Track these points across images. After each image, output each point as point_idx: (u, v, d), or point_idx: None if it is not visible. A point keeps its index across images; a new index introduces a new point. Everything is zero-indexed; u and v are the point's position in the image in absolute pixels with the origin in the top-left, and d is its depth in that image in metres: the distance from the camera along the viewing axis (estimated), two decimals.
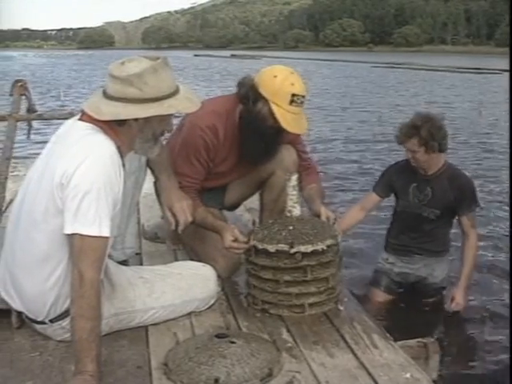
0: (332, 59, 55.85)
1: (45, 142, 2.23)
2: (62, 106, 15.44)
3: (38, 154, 2.22)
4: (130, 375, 2.03)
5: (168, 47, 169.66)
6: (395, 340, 2.31)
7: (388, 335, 2.33)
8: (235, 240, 2.52)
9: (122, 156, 2.07)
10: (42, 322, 2.17)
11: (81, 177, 1.92)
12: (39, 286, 2.08)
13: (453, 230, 3.31)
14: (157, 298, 2.32)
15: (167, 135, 2.42)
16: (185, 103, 2.11)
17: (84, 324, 1.87)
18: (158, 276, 2.39)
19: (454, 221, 3.25)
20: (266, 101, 2.58)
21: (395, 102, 17.29)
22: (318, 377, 2.01)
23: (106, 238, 1.95)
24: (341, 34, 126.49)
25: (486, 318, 3.43)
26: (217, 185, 2.96)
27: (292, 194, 2.54)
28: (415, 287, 3.35)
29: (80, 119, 2.10)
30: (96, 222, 1.92)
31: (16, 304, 2.18)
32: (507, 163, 7.15)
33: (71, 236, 1.93)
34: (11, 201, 3.15)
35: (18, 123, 3.44)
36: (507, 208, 5.55)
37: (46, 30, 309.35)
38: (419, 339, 2.41)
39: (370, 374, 2.03)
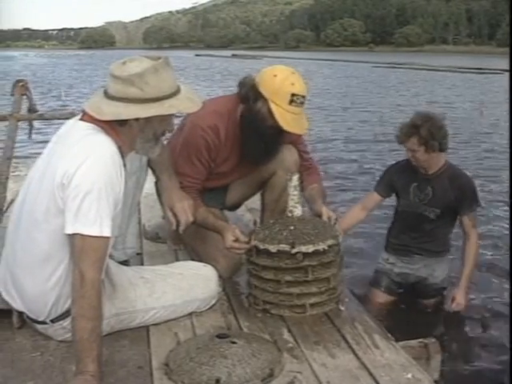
0: (333, 59, 55.83)
1: (46, 142, 2.23)
2: (63, 105, 15.44)
3: (39, 153, 2.22)
4: (131, 375, 2.03)
5: (169, 47, 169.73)
6: (396, 340, 2.30)
7: (389, 335, 2.33)
8: (236, 240, 2.52)
9: (123, 156, 2.07)
10: (43, 322, 2.17)
11: (82, 177, 1.92)
12: (40, 286, 2.08)
13: (453, 230, 3.30)
14: (158, 298, 2.32)
15: (168, 135, 2.42)
16: (186, 103, 2.10)
17: (85, 324, 1.86)
18: (158, 276, 2.39)
19: (455, 221, 3.25)
20: (265, 100, 2.58)
21: (396, 102, 17.28)
22: (319, 377, 2.01)
23: (107, 238, 1.94)
24: (342, 33, 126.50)
25: (487, 317, 3.43)
26: (218, 185, 2.96)
27: (293, 194, 2.54)
28: (415, 287, 3.34)
29: (81, 119, 2.09)
30: (97, 222, 1.92)
31: (17, 304, 2.18)
32: (508, 163, 7.14)
33: (72, 236, 1.93)
34: (12, 201, 3.15)
35: (19, 123, 3.44)
36: (507, 207, 5.55)
37: (47, 30, 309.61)
38: (420, 339, 2.42)
39: (371, 374, 2.03)
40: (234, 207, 3.26)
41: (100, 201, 1.92)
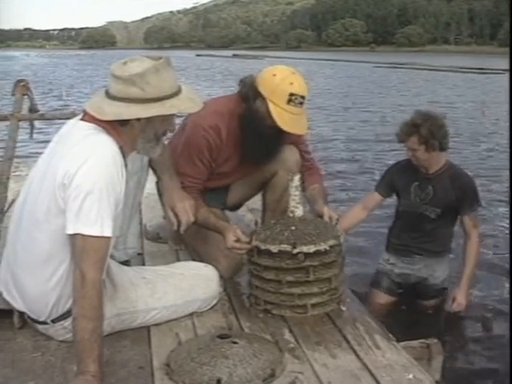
0: (334, 59, 55.82)
1: (47, 142, 2.23)
2: (65, 105, 15.45)
3: (40, 152, 2.22)
4: (131, 376, 2.03)
5: (170, 47, 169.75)
6: (397, 341, 2.30)
7: (391, 336, 2.33)
8: (237, 240, 2.52)
9: (124, 156, 2.06)
10: (44, 323, 2.17)
11: (83, 177, 1.91)
12: (41, 286, 2.08)
13: (454, 230, 3.30)
14: (159, 299, 2.32)
15: (169, 135, 2.42)
16: (187, 103, 2.10)
17: (86, 324, 1.86)
18: (160, 276, 2.39)
19: (455, 221, 3.25)
20: (264, 99, 2.58)
21: (397, 102, 17.27)
22: (320, 377, 2.01)
23: (108, 238, 1.94)
24: (343, 33, 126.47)
25: (488, 317, 3.43)
26: (219, 185, 2.96)
27: (294, 194, 2.54)
28: (416, 288, 3.34)
29: (82, 119, 2.09)
30: (98, 222, 1.91)
31: (18, 304, 2.18)
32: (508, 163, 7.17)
33: (73, 236, 1.92)
34: (13, 201, 3.15)
35: (20, 123, 3.44)
36: (508, 207, 5.55)
37: (48, 30, 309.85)
38: (422, 340, 2.41)
39: (372, 374, 2.03)
40: (235, 207, 3.26)
41: (101, 201, 1.92)
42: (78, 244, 1.91)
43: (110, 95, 2.03)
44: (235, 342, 2.08)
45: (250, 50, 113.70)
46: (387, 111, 14.70)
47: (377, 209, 3.50)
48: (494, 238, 4.89)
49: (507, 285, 3.85)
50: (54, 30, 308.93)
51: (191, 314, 2.45)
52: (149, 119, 2.05)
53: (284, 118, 2.56)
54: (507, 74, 23.54)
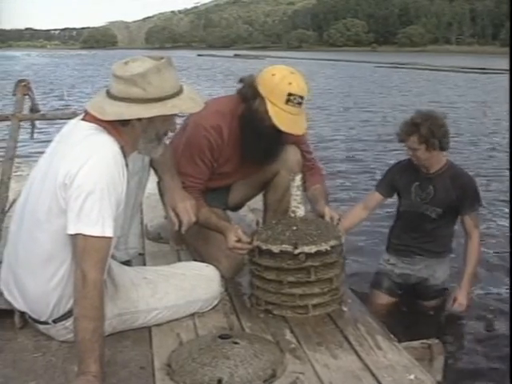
0: (336, 59, 55.81)
1: (48, 141, 2.23)
2: (66, 105, 15.46)
3: (41, 152, 2.21)
4: (133, 376, 2.03)
5: (171, 47, 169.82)
6: (399, 341, 2.30)
7: (392, 336, 2.32)
8: (239, 240, 2.52)
9: (125, 156, 2.06)
10: (45, 323, 2.16)
11: (84, 177, 1.91)
12: (42, 287, 2.08)
13: (454, 231, 3.29)
14: (160, 299, 2.32)
15: (171, 135, 2.42)
16: (188, 103, 2.10)
17: (87, 324, 1.86)
18: (161, 276, 2.39)
19: (456, 221, 3.24)
20: (262, 99, 2.58)
21: (399, 102, 17.27)
22: (321, 378, 2.01)
23: (109, 238, 1.94)
24: (345, 33, 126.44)
25: (489, 317, 3.42)
26: (221, 185, 2.95)
27: (296, 194, 2.53)
28: (416, 288, 3.33)
29: (83, 119, 2.09)
30: (99, 223, 1.91)
31: (19, 304, 2.18)
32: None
33: (74, 236, 1.92)
34: (14, 201, 3.14)
35: (21, 123, 3.43)
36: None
37: (49, 30, 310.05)
38: (423, 340, 2.41)
39: (373, 375, 2.03)
40: (237, 207, 3.25)
41: (102, 201, 1.92)
42: (79, 244, 1.91)
43: (111, 95, 2.03)
44: (236, 343, 2.08)
45: (252, 49, 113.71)
46: (388, 111, 14.70)
47: (378, 208, 3.50)
48: (495, 237, 4.90)
49: (507, 284, 3.84)
50: (55, 29, 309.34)
51: (192, 315, 2.45)
52: (150, 119, 2.05)
53: (282, 117, 2.55)
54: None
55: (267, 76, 2.59)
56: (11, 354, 2.15)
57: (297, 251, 2.38)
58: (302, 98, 2.56)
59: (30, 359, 2.12)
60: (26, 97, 3.50)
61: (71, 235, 1.93)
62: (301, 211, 2.55)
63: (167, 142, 2.55)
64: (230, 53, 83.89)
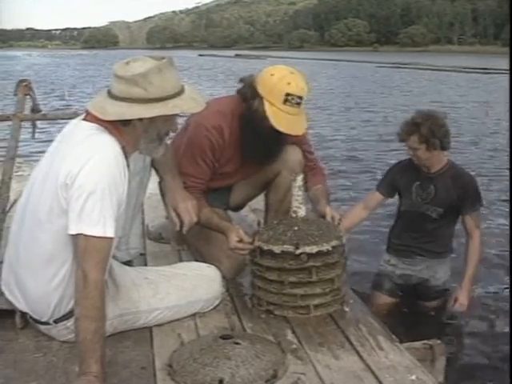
0: (337, 59, 55.82)
1: (48, 141, 2.23)
2: (67, 105, 15.47)
3: (42, 151, 2.21)
4: (134, 376, 2.03)
5: (172, 47, 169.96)
6: (400, 342, 2.29)
7: (394, 337, 2.32)
8: (240, 241, 2.52)
9: (126, 156, 2.06)
10: (46, 323, 2.16)
11: (85, 177, 1.91)
12: (43, 287, 2.08)
13: (455, 231, 3.29)
14: (161, 299, 2.32)
15: (172, 135, 2.42)
16: (190, 103, 2.10)
17: (88, 325, 1.86)
18: (162, 277, 2.38)
19: (456, 221, 3.24)
20: (261, 99, 2.57)
21: (400, 102, 17.26)
22: (323, 378, 2.00)
23: (111, 238, 1.94)
24: (346, 33, 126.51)
25: (490, 317, 3.43)
26: (222, 185, 2.95)
27: (297, 194, 2.53)
28: (417, 289, 3.32)
29: (84, 119, 2.09)
30: (100, 223, 1.91)
31: (20, 304, 2.18)
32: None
33: (75, 236, 1.92)
34: (15, 201, 3.14)
35: (22, 123, 3.43)
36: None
37: (50, 30, 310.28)
38: (425, 341, 2.40)
39: (375, 375, 2.02)
40: (238, 208, 3.25)
41: (103, 201, 1.92)
42: (80, 244, 1.91)
43: (112, 95, 2.03)
44: (237, 343, 2.07)
45: (253, 50, 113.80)
46: (389, 111, 14.70)
47: (379, 207, 3.50)
48: (495, 236, 4.89)
49: (508, 283, 3.85)
50: (57, 29, 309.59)
51: (194, 315, 2.44)
52: (151, 119, 2.04)
53: (279, 118, 2.54)
54: None
55: (266, 76, 2.59)
56: (12, 355, 2.15)
57: (298, 251, 2.38)
58: (300, 98, 2.55)
59: (31, 359, 2.12)
60: (27, 97, 3.50)
61: (72, 235, 1.93)
62: (302, 211, 2.54)
63: (168, 142, 2.54)
64: (232, 53, 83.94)
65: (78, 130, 2.08)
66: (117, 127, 2.04)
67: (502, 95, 18.03)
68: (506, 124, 11.82)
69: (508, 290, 3.77)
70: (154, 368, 2.07)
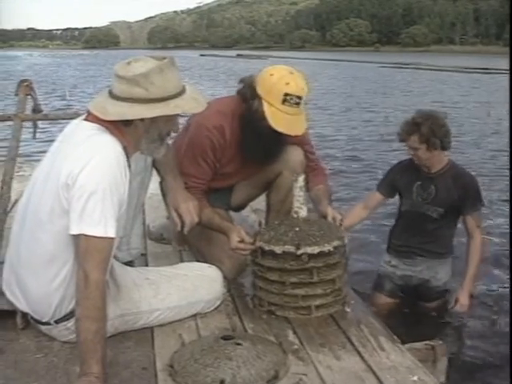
0: (339, 59, 55.83)
1: (49, 141, 2.23)
2: (68, 105, 15.48)
3: (42, 151, 2.21)
4: (135, 377, 2.02)
5: (174, 47, 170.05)
6: (402, 343, 2.29)
7: (395, 337, 2.32)
8: (241, 241, 2.51)
9: (127, 156, 2.06)
10: (47, 323, 2.16)
11: (86, 177, 1.91)
12: (44, 287, 2.08)
13: (455, 231, 3.28)
14: (162, 300, 2.31)
15: (173, 135, 2.41)
16: (191, 103, 2.09)
17: (89, 325, 1.86)
18: (163, 277, 2.38)
19: (457, 221, 3.23)
20: (260, 99, 2.57)
21: (402, 102, 17.25)
22: (324, 379, 2.00)
23: (112, 238, 1.94)
24: (348, 33, 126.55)
25: (492, 318, 3.42)
26: (223, 185, 2.95)
27: (299, 194, 2.53)
28: (418, 290, 3.31)
29: (86, 119, 2.09)
30: (101, 223, 1.91)
31: (21, 305, 2.18)
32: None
33: (77, 237, 1.92)
34: (16, 201, 3.14)
35: (23, 123, 3.43)
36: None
37: (51, 30, 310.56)
38: (426, 342, 2.39)
39: (377, 376, 2.02)
40: (240, 208, 3.25)
41: (105, 201, 1.92)
42: (81, 244, 1.91)
43: (113, 95, 2.03)
44: (239, 344, 2.07)
45: (254, 50, 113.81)
46: (391, 111, 14.68)
47: (380, 207, 3.50)
48: (495, 235, 4.89)
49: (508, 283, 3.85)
50: (57, 29, 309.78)
51: (195, 315, 2.44)
52: (153, 119, 2.04)
53: (278, 118, 2.54)
54: None
55: (266, 76, 2.58)
56: (13, 355, 2.15)
57: (299, 252, 2.38)
58: (299, 98, 2.54)
59: (31, 360, 2.12)
60: (29, 97, 3.50)
61: (73, 235, 1.93)
62: (303, 212, 2.54)
63: (170, 142, 2.54)
64: (233, 53, 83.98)
65: (80, 130, 2.08)
66: (118, 127, 2.04)
67: (504, 95, 18.03)
68: (507, 124, 11.82)
69: (509, 290, 3.77)
70: (155, 368, 2.07)
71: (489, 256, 4.24)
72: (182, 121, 2.37)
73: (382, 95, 20.07)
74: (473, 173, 3.35)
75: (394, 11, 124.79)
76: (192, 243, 3.01)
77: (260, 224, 2.70)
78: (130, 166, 2.07)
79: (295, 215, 2.54)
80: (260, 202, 3.39)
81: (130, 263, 2.57)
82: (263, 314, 2.50)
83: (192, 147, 2.72)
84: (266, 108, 2.54)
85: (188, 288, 2.39)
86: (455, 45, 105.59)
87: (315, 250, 2.39)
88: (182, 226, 2.56)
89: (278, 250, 2.41)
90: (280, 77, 2.54)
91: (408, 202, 3.19)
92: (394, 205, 3.45)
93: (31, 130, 3.58)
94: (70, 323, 2.09)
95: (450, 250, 3.27)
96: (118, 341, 2.22)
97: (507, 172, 7.32)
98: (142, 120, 2.04)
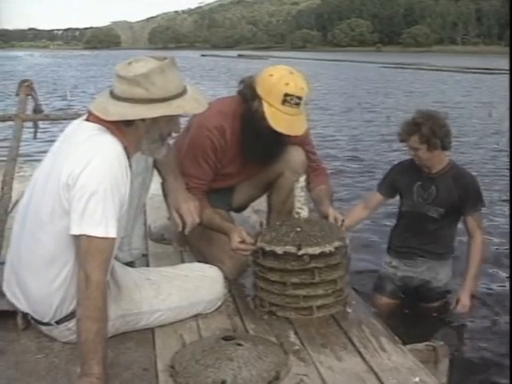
0: (340, 59, 55.84)
1: (50, 141, 2.23)
2: (69, 105, 15.49)
3: (43, 151, 2.21)
4: (136, 377, 2.02)
5: (175, 47, 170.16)
6: (403, 343, 2.29)
7: (396, 338, 2.31)
8: (242, 241, 2.51)
9: (128, 157, 2.06)
10: (48, 324, 2.16)
11: (87, 177, 1.91)
12: (45, 288, 2.07)
13: (456, 232, 3.28)
14: (163, 300, 2.31)
15: (175, 136, 2.41)
16: (192, 104, 2.09)
17: (90, 326, 1.86)
18: (164, 278, 2.38)
19: (458, 222, 3.23)
20: (260, 99, 2.57)
21: (403, 102, 17.25)
22: (325, 380, 2.00)
23: (113, 239, 1.93)
24: (349, 33, 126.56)
25: (493, 318, 3.41)
26: (224, 186, 2.94)
27: (300, 195, 2.52)
28: (419, 291, 3.31)
29: (87, 119, 2.09)
30: (103, 223, 1.91)
31: (22, 305, 2.18)
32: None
33: (78, 237, 1.92)
34: (17, 201, 3.14)
35: (24, 123, 3.43)
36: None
37: (52, 30, 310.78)
38: (428, 343, 2.39)
39: (378, 377, 2.02)
40: (241, 208, 3.24)
41: (105, 201, 1.91)
42: (82, 245, 1.91)
43: (114, 95, 2.03)
44: (240, 344, 2.07)
45: (256, 50, 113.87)
46: (392, 111, 14.67)
47: (381, 207, 3.50)
48: (495, 235, 4.89)
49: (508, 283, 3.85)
50: (58, 30, 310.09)
51: (196, 316, 2.44)
52: (154, 120, 2.04)
53: (278, 118, 2.54)
54: None
55: (265, 76, 2.58)
56: (14, 356, 2.14)
57: (301, 252, 2.38)
58: (299, 98, 2.54)
59: (32, 360, 2.11)
60: (29, 97, 3.49)
61: (74, 236, 1.93)
62: (305, 212, 2.54)
63: (171, 142, 2.54)
64: (234, 53, 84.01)
65: (81, 130, 2.07)
66: (119, 128, 2.03)
67: (505, 95, 18.02)
68: (508, 124, 11.82)
69: (509, 290, 3.76)
70: (156, 369, 2.06)
71: (489, 256, 4.25)
72: (183, 121, 2.37)
73: (384, 95, 20.06)
74: (473, 173, 3.35)
75: (396, 11, 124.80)
76: (193, 244, 3.00)
77: (261, 224, 2.69)
78: (131, 166, 2.07)
79: (296, 216, 2.53)
80: (261, 203, 3.38)
81: (131, 264, 2.57)
82: (264, 314, 2.50)
83: (193, 148, 2.71)
84: (266, 108, 2.54)
85: (189, 288, 2.39)
86: (457, 45, 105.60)
87: (316, 250, 2.38)
88: (183, 227, 2.55)
89: (279, 250, 2.40)
90: (280, 77, 2.54)
91: (408, 202, 3.19)
92: (395, 205, 3.45)
93: (32, 130, 3.58)
94: (71, 324, 2.09)
95: (451, 250, 3.27)
96: (119, 341, 2.22)
97: (507, 172, 7.32)
98: (143, 120, 2.03)
